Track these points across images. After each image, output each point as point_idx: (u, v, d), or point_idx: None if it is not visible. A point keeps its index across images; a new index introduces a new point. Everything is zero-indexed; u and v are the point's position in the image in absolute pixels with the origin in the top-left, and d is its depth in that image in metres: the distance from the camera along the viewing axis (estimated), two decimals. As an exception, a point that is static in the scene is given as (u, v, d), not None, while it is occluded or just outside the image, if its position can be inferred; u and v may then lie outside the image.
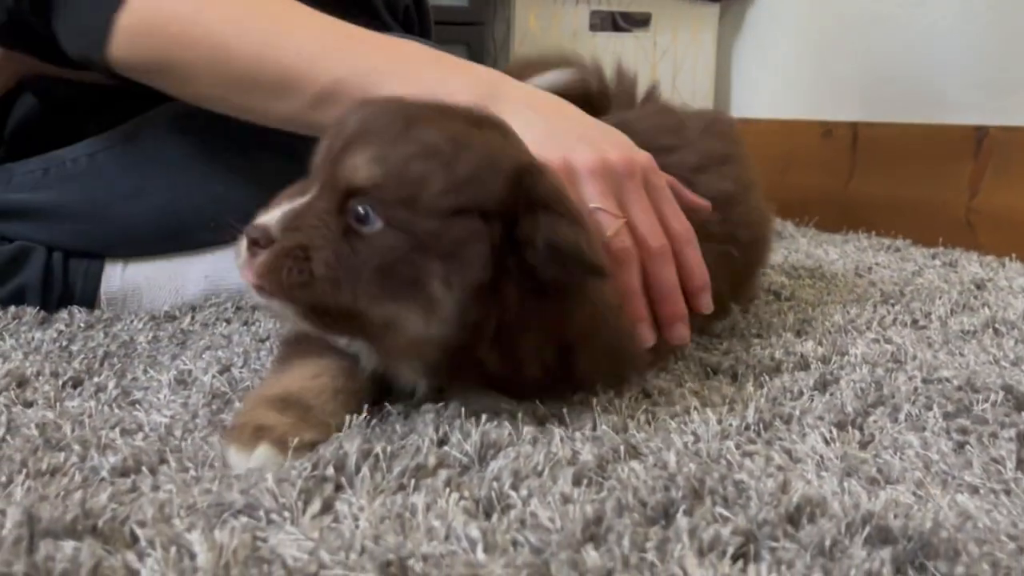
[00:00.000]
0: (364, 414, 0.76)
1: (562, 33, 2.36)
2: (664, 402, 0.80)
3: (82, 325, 1.11)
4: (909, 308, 1.13)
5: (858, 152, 2.06)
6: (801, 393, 0.82)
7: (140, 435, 0.76)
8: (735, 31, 2.52)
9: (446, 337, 0.73)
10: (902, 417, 0.76)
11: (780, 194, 2.28)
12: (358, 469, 0.67)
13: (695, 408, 0.78)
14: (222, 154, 1.16)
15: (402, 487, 0.65)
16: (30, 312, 1.12)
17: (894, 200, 1.90)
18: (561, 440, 0.71)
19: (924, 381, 0.85)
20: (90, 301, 1.17)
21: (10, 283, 1.14)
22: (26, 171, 1.18)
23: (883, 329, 1.04)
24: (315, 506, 0.62)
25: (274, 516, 0.61)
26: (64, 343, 1.03)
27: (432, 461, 0.67)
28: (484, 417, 0.74)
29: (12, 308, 1.13)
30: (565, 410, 0.77)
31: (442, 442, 0.71)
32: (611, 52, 2.45)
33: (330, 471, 0.66)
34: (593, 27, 2.37)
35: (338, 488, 0.65)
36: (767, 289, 1.22)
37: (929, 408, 0.77)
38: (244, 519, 0.60)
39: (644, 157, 0.88)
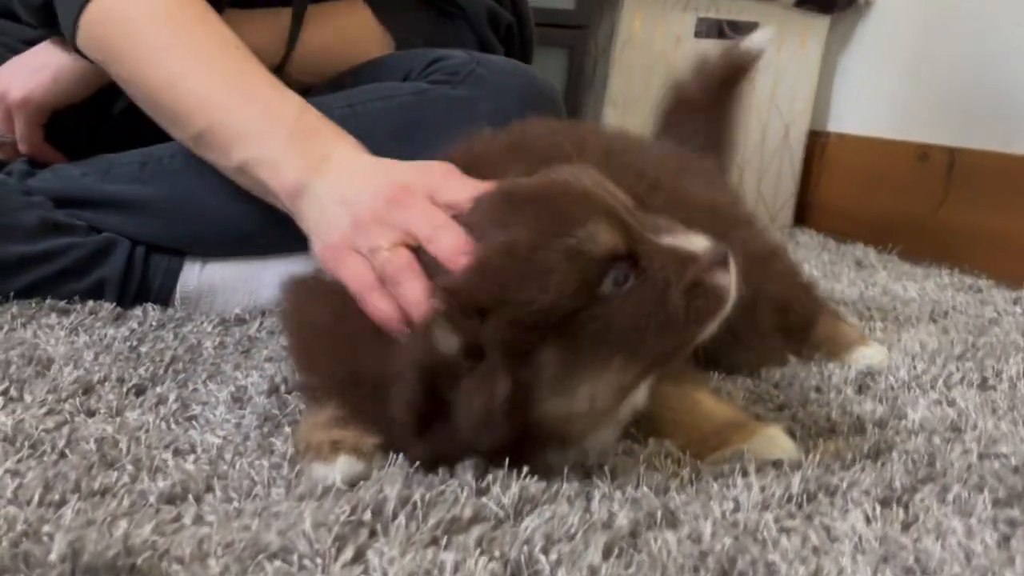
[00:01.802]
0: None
1: (666, 39, 2.33)
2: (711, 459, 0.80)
3: (154, 324, 1.14)
4: (980, 365, 1.09)
5: (953, 179, 2.00)
6: (853, 462, 0.80)
7: (192, 456, 0.79)
8: (843, 44, 2.45)
9: None
10: (950, 498, 0.74)
11: (866, 215, 2.24)
12: (395, 515, 0.68)
13: (740, 471, 0.77)
14: None
15: (435, 540, 0.65)
16: (106, 308, 1.16)
17: (984, 233, 1.84)
18: (600, 500, 0.71)
19: (980, 456, 0.82)
20: (166, 299, 1.21)
21: (92, 275, 1.18)
22: (124, 163, 1.22)
23: (948, 389, 1.01)
24: (348, 554, 0.63)
25: (307, 562, 0.62)
26: (135, 343, 1.07)
27: (468, 514, 0.68)
28: (526, 468, 0.74)
29: (90, 303, 1.17)
30: (610, 466, 0.77)
31: (481, 492, 0.72)
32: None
33: (367, 516, 0.67)
34: (698, 34, 2.34)
35: (372, 535, 0.66)
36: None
37: (980, 490, 0.75)
38: (278, 563, 0.62)
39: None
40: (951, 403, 0.96)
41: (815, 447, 0.83)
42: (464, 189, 0.81)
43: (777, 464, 0.79)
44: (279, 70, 1.24)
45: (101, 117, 1.32)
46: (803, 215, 2.50)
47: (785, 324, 1.05)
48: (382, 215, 0.83)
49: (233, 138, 1.04)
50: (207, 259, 1.23)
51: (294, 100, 1.05)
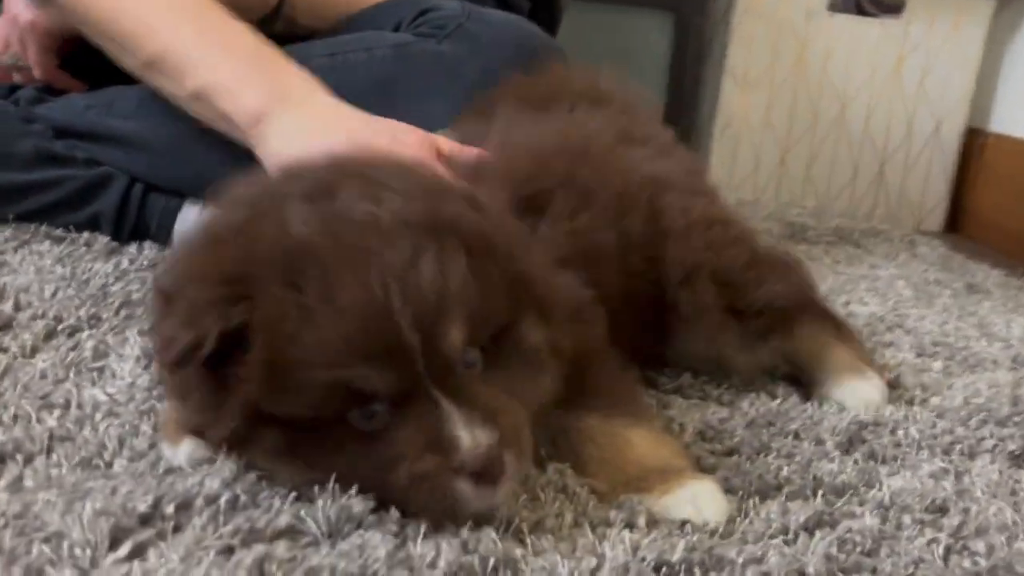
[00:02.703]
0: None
1: (794, 10, 2.14)
2: None
3: (144, 263, 1.12)
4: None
5: None
6: (770, 535, 0.68)
7: (58, 412, 0.75)
8: (1011, 32, 2.18)
9: None
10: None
11: (1019, 227, 1.99)
12: (199, 513, 0.61)
13: (627, 524, 0.66)
14: None
15: (229, 549, 0.59)
16: (101, 241, 1.15)
17: None
18: (427, 535, 0.62)
19: (946, 551, 0.68)
20: (165, 238, 1.18)
21: (87, 208, 1.17)
22: (127, 98, 1.20)
23: (967, 457, 0.84)
24: (123, 549, 0.58)
25: (77, 551, 0.57)
26: (111, 280, 1.04)
27: (281, 524, 0.61)
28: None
29: (86, 235, 1.16)
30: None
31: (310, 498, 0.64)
32: (849, 39, 2.21)
33: (170, 509, 0.61)
34: (833, 7, 2.14)
35: (162, 532, 0.60)
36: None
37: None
38: (46, 547, 0.57)
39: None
40: (958, 476, 0.80)
41: (745, 509, 0.71)
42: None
43: (686, 523, 0.67)
44: (277, 11, 1.19)
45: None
46: (956, 222, 2.27)
47: (733, 303, 0.91)
48: None
49: (188, 64, 1.01)
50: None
51: (250, 33, 1.02)
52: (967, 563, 0.67)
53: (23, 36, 1.23)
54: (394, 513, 0.62)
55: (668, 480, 0.71)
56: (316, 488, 0.64)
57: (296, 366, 0.60)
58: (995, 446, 0.88)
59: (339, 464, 0.63)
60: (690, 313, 0.89)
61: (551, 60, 1.19)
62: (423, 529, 0.61)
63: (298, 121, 0.92)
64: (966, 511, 0.74)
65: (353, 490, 0.63)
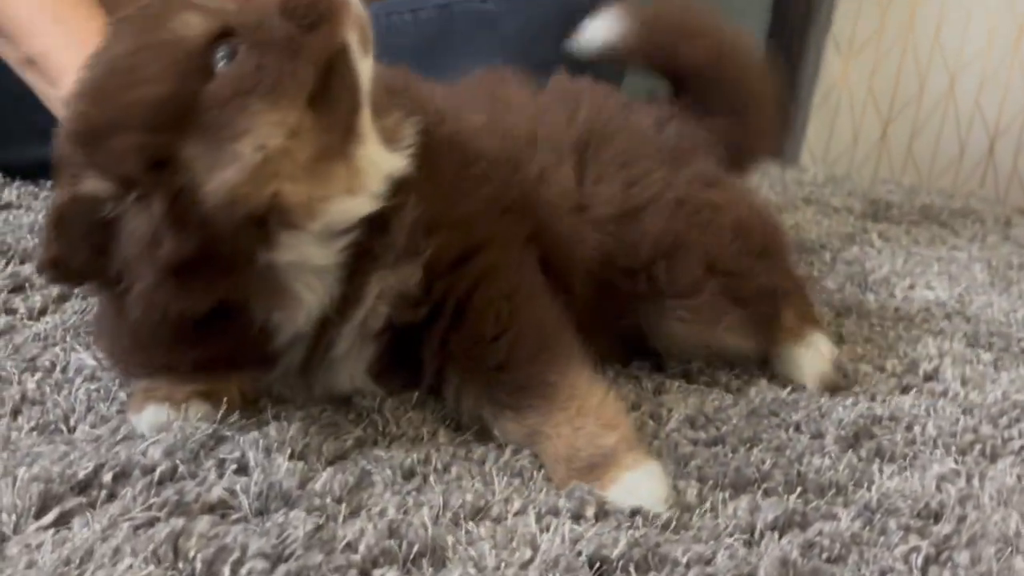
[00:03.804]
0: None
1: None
2: None
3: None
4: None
5: None
6: (715, 534, 0.64)
7: (39, 375, 0.76)
8: None
9: None
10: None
11: None
12: (134, 483, 0.61)
13: (571, 513, 0.63)
14: None
15: (151, 522, 0.58)
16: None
17: None
18: (350, 516, 0.60)
19: (926, 561, 0.62)
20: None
21: None
22: None
23: (986, 458, 0.77)
24: (48, 517, 0.58)
25: (2, 516, 0.57)
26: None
27: (212, 498, 0.61)
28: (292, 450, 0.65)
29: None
30: (426, 468, 0.65)
31: (241, 471, 0.64)
32: (964, 5, 2.07)
33: (107, 477, 0.62)
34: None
35: (93, 500, 0.60)
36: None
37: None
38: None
39: None
40: (968, 479, 0.74)
41: (713, 502, 0.67)
42: None
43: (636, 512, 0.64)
44: None
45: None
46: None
47: (723, 285, 0.85)
48: None
49: (27, 28, 1.04)
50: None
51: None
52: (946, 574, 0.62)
53: None
54: (317, 488, 0.61)
55: (608, 468, 0.67)
56: (250, 460, 0.63)
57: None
58: (1022, 447, 0.81)
59: (259, 87, 0.62)
60: (676, 292, 0.84)
61: None
62: (345, 509, 0.60)
63: None
64: (962, 519, 0.68)
65: (284, 464, 0.63)
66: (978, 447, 0.80)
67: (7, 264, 0.95)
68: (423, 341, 0.72)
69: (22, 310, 0.87)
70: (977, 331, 1.09)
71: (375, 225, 0.68)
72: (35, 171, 1.20)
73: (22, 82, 1.17)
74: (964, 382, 0.93)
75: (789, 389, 0.87)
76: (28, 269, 0.94)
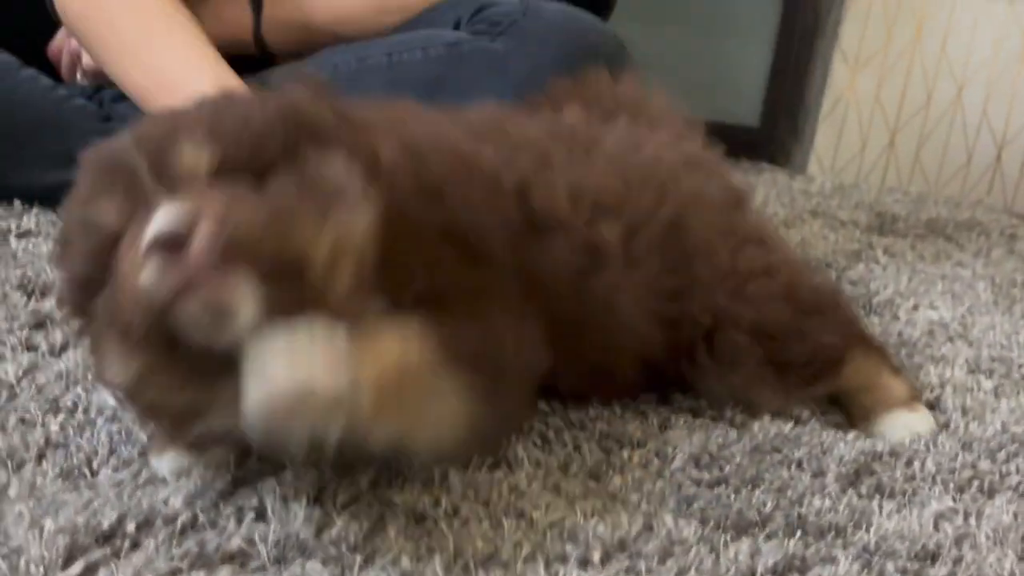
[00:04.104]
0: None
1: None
2: None
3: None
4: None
5: None
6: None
7: (62, 416, 0.78)
8: None
9: None
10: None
11: None
12: (156, 533, 0.63)
13: (561, 557, 0.65)
14: None
15: (175, 572, 0.61)
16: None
17: None
18: (368, 563, 0.62)
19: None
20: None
21: None
22: None
23: (984, 495, 0.79)
24: (75, 568, 0.60)
25: (32, 568, 0.60)
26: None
27: (233, 546, 0.63)
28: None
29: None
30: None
31: (260, 517, 0.66)
32: (971, 17, 2.08)
33: (131, 527, 0.64)
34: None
35: (118, 551, 0.62)
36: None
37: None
38: (3, 564, 0.60)
39: None
40: (966, 516, 0.76)
41: (714, 546, 0.69)
42: None
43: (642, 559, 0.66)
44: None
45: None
46: None
47: (777, 355, 0.87)
48: None
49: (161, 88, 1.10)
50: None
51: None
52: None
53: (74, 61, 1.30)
54: (333, 535, 0.64)
55: None
56: (269, 510, 0.66)
57: None
58: (1020, 483, 0.83)
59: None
60: (719, 362, 0.85)
61: (611, 56, 1.17)
62: (360, 559, 0.62)
63: None
64: (958, 560, 0.70)
65: (300, 512, 0.65)
66: (976, 483, 0.81)
67: (29, 299, 0.97)
68: None
69: (44, 347, 0.89)
70: (979, 356, 1.10)
71: None
72: (54, 196, 1.23)
73: (43, 108, 1.20)
74: (964, 412, 0.95)
75: (792, 424, 0.88)
76: (48, 305, 0.97)
